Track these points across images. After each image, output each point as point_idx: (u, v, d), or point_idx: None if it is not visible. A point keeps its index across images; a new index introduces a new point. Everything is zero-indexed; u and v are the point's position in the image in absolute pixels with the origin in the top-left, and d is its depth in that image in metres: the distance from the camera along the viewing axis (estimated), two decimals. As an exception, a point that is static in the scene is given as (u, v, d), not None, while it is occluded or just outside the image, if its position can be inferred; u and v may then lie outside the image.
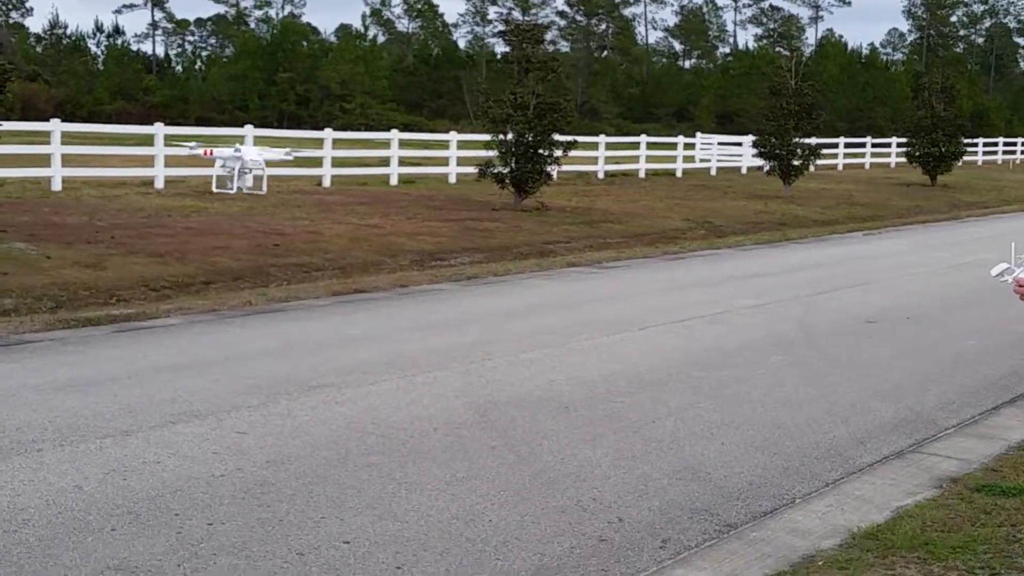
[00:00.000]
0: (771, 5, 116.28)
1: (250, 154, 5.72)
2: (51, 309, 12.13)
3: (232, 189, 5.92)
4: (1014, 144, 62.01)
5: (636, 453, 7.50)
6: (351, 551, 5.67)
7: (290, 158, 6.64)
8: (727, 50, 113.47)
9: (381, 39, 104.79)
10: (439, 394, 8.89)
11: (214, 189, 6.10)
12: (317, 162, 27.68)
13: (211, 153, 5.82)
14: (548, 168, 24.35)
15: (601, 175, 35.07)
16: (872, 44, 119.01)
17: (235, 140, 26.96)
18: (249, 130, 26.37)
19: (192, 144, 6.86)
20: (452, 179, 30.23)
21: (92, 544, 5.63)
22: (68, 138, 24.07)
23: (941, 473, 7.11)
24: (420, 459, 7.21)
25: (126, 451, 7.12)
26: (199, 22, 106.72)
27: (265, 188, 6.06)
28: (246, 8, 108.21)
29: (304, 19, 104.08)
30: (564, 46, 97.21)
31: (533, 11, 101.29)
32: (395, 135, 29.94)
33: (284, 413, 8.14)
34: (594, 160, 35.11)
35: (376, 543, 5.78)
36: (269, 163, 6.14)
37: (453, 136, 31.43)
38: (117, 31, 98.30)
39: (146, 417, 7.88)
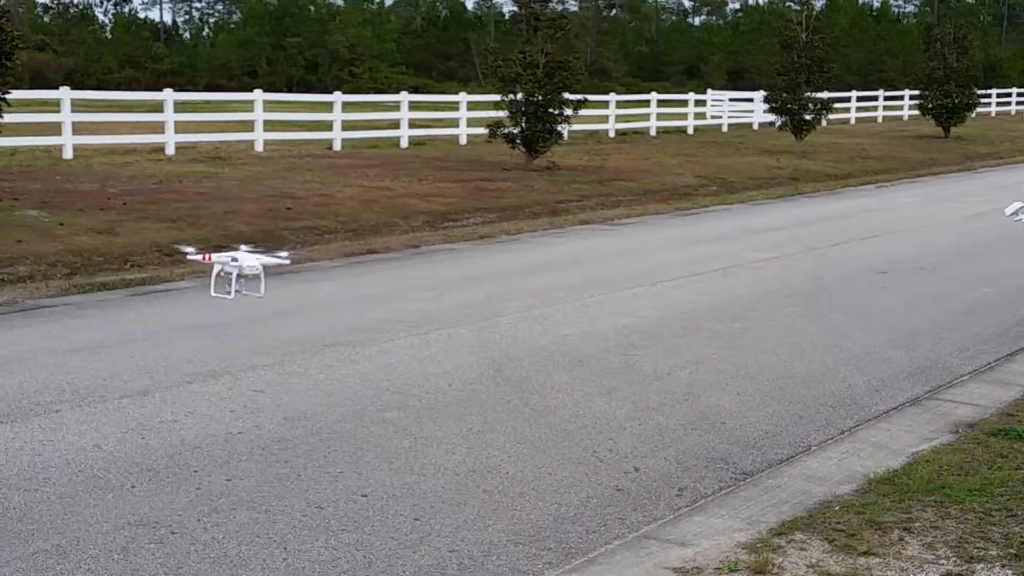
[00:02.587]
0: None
1: (247, 260, 5.79)
2: (66, 275, 12.16)
3: (230, 294, 5.96)
4: (1027, 96, 61.52)
5: (651, 404, 7.51)
6: (369, 504, 5.70)
7: (287, 262, 6.70)
8: (737, 6, 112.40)
9: (389, 2, 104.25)
10: (453, 350, 8.91)
11: (212, 293, 6.14)
12: (327, 126, 27.63)
13: (210, 258, 5.92)
14: (559, 127, 24.22)
15: (612, 134, 34.90)
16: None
17: (246, 106, 26.95)
18: (259, 95, 26.32)
19: (191, 250, 6.91)
20: (463, 140, 30.13)
21: (112, 501, 5.67)
22: (78, 106, 23.99)
23: (957, 419, 7.12)
24: (436, 414, 7.24)
25: (144, 410, 7.16)
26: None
27: (263, 291, 6.09)
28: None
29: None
30: (572, 5, 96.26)
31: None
32: (404, 97, 29.79)
33: (300, 372, 8.17)
34: (604, 119, 34.92)
35: (393, 496, 5.81)
36: (266, 267, 6.26)
37: (463, 97, 31.26)
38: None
39: (163, 377, 7.92)
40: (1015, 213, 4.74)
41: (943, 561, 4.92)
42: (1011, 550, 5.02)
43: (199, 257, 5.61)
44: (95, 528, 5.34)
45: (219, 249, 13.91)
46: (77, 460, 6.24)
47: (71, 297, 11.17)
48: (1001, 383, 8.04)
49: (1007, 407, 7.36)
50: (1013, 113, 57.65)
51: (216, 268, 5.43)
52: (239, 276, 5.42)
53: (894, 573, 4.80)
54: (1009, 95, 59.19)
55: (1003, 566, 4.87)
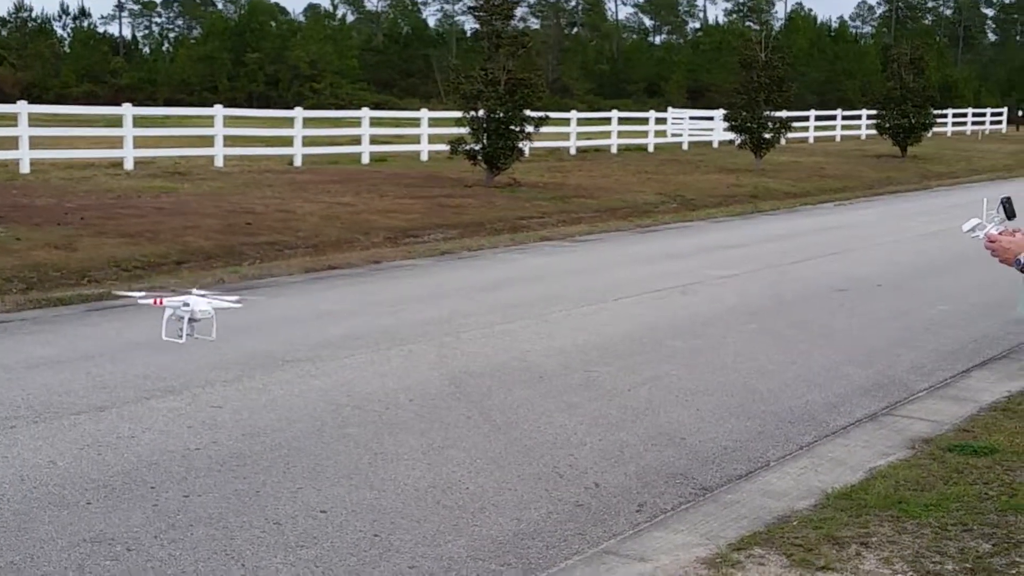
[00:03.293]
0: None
1: (199, 305, 5.76)
2: (22, 290, 12.04)
3: (182, 338, 5.94)
4: (983, 115, 62.30)
5: (611, 420, 7.53)
6: (328, 520, 5.68)
7: (239, 306, 6.67)
8: (697, 25, 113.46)
9: (350, 18, 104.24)
10: (414, 366, 8.90)
11: (163, 336, 6.11)
12: (288, 141, 27.56)
13: (161, 303, 5.88)
14: (520, 144, 24.29)
15: (573, 151, 35.04)
16: (841, 17, 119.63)
17: (206, 121, 26.85)
18: (219, 110, 26.24)
19: (141, 294, 6.85)
20: (424, 157, 30.16)
21: (68, 518, 5.61)
22: (35, 120, 23.86)
23: (914, 434, 7.16)
24: (396, 430, 7.22)
25: (100, 426, 7.09)
26: (166, 3, 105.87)
27: (214, 334, 6.09)
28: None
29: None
30: (534, 22, 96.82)
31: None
32: (366, 113, 29.80)
33: (259, 387, 8.13)
34: (566, 136, 35.09)
35: (353, 512, 5.79)
36: (218, 309, 6.21)
37: (424, 114, 31.29)
38: (83, 13, 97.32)
39: (120, 393, 7.86)
40: (972, 230, 4.76)
41: None
42: (967, 564, 5.06)
43: (150, 301, 5.57)
44: (50, 545, 5.28)
45: (179, 264, 13.92)
46: (32, 476, 6.17)
47: (27, 312, 11.05)
48: (957, 399, 8.11)
49: (962, 423, 7.41)
50: (968, 133, 58.38)
51: (167, 312, 5.39)
52: (191, 320, 5.40)
53: (852, 587, 4.83)
54: (964, 115, 59.96)
55: (959, 580, 4.91)
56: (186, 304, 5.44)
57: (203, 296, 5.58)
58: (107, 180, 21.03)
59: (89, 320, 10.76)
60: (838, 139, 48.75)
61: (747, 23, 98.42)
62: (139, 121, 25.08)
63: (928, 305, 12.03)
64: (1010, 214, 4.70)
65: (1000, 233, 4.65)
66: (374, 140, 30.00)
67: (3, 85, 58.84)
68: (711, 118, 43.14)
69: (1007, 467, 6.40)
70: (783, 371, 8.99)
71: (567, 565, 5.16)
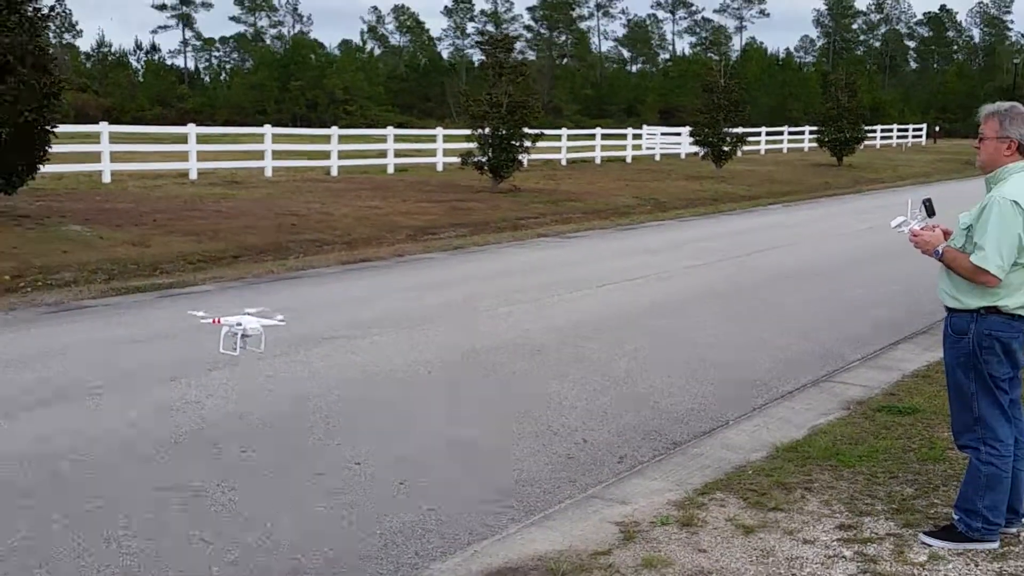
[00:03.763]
0: (703, 17, 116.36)
1: (250, 323, 5.77)
2: (105, 280, 12.05)
3: (236, 351, 5.93)
4: (905, 130, 62.05)
5: (597, 387, 7.53)
6: (361, 470, 5.69)
7: (283, 323, 6.68)
8: (667, 56, 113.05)
9: (377, 51, 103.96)
10: (432, 343, 8.89)
11: (220, 350, 6.09)
12: (326, 155, 27.51)
13: (219, 322, 5.86)
14: (520, 157, 24.27)
15: (564, 162, 34.92)
16: (788, 49, 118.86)
17: (257, 138, 26.81)
18: (267, 129, 26.18)
19: (202, 314, 6.80)
20: (439, 167, 30.06)
21: (147, 469, 5.63)
22: (115, 138, 23.76)
23: (848, 398, 7.17)
24: (418, 396, 7.23)
25: (172, 394, 7.10)
26: (223, 40, 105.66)
27: (263, 347, 6.07)
28: (262, 27, 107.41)
29: (312, 35, 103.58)
30: (531, 55, 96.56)
31: (504, 25, 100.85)
32: (390, 131, 29.73)
33: (303, 361, 8.13)
34: (558, 150, 34.95)
35: (383, 464, 5.80)
36: (266, 327, 6.22)
37: (439, 131, 31.22)
38: (154, 48, 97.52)
39: (188, 366, 7.86)
40: (898, 226, 4.76)
41: (837, 515, 4.97)
42: (893, 506, 5.08)
43: (210, 320, 5.62)
44: (132, 491, 5.31)
45: (236, 258, 13.91)
46: (116, 435, 6.19)
47: (109, 298, 11.06)
48: (885, 368, 8.11)
49: (889, 388, 7.42)
50: (894, 145, 58.18)
51: (224, 330, 5.46)
52: (243, 336, 5.46)
53: (797, 525, 4.84)
54: (891, 130, 59.78)
55: (887, 519, 4.92)
56: (239, 323, 5.49)
57: (253, 315, 5.63)
58: (175, 188, 21.00)
59: (160, 305, 10.76)
60: (785, 151, 48.55)
61: (709, 54, 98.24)
62: (201, 138, 25.00)
63: (862, 288, 12.02)
64: (930, 213, 4.70)
65: (922, 228, 4.65)
66: (398, 154, 29.92)
67: (87, 109, 58.68)
68: (679, 133, 42.98)
69: (927, 424, 6.41)
70: (740, 345, 8.99)
71: (560, 507, 5.18)
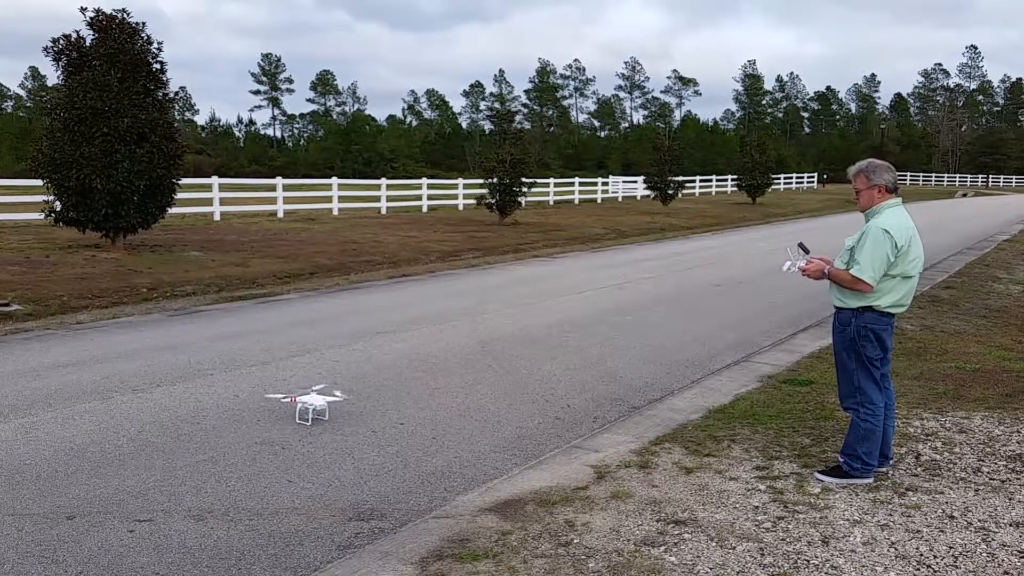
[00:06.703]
0: (652, 96, 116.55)
1: (316, 401, 5.70)
2: (216, 291, 12.03)
3: (308, 421, 5.81)
4: (802, 178, 62.13)
5: (577, 366, 7.51)
6: (405, 429, 5.67)
7: (344, 399, 6.49)
8: (627, 124, 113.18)
9: (414, 123, 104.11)
10: (455, 335, 8.87)
11: (296, 420, 5.93)
12: (377, 199, 27.52)
13: (295, 400, 5.77)
14: (519, 199, 24.30)
15: (552, 202, 34.89)
16: (715, 119, 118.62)
17: (326, 187, 26.78)
18: (334, 180, 26.20)
19: (281, 395, 6.61)
20: (460, 207, 30.05)
21: (245, 429, 5.61)
22: (223, 188, 23.80)
23: (762, 374, 7.15)
24: (445, 373, 7.20)
25: (265, 374, 7.08)
26: (302, 115, 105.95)
27: (327, 416, 5.93)
28: (331, 106, 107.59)
29: (367, 111, 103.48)
30: (527, 124, 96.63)
31: (507, 103, 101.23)
32: (424, 181, 29.82)
33: (361, 349, 8.11)
34: (547, 193, 34.93)
35: (420, 423, 5.78)
36: (330, 402, 6.12)
37: (460, 181, 31.29)
38: (251, 122, 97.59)
39: (276, 353, 7.84)
40: (787, 269, 4.75)
41: (755, 459, 4.94)
42: (796, 452, 5.06)
43: (288, 400, 5.71)
44: (234, 446, 5.29)
45: (311, 275, 13.89)
46: (223, 404, 6.18)
47: (219, 304, 11.04)
48: (789, 351, 8.09)
49: (792, 365, 7.40)
50: (794, 188, 58.09)
51: (298, 406, 5.59)
52: (314, 410, 5.58)
53: (724, 466, 4.82)
54: (791, 178, 59.76)
55: (791, 462, 4.90)
56: (309, 402, 5.63)
57: (320, 394, 5.75)
58: (267, 223, 21.00)
59: (257, 309, 10.74)
60: (713, 193, 48.45)
61: (657, 123, 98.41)
62: (286, 187, 25.02)
63: (770, 295, 11.98)
64: (806, 251, 4.72)
65: (807, 263, 4.66)
66: (430, 197, 29.94)
67: (203, 167, 58.73)
68: (636, 181, 42.95)
69: (820, 392, 6.38)
70: (681, 335, 8.96)
71: (550, 455, 5.16)
